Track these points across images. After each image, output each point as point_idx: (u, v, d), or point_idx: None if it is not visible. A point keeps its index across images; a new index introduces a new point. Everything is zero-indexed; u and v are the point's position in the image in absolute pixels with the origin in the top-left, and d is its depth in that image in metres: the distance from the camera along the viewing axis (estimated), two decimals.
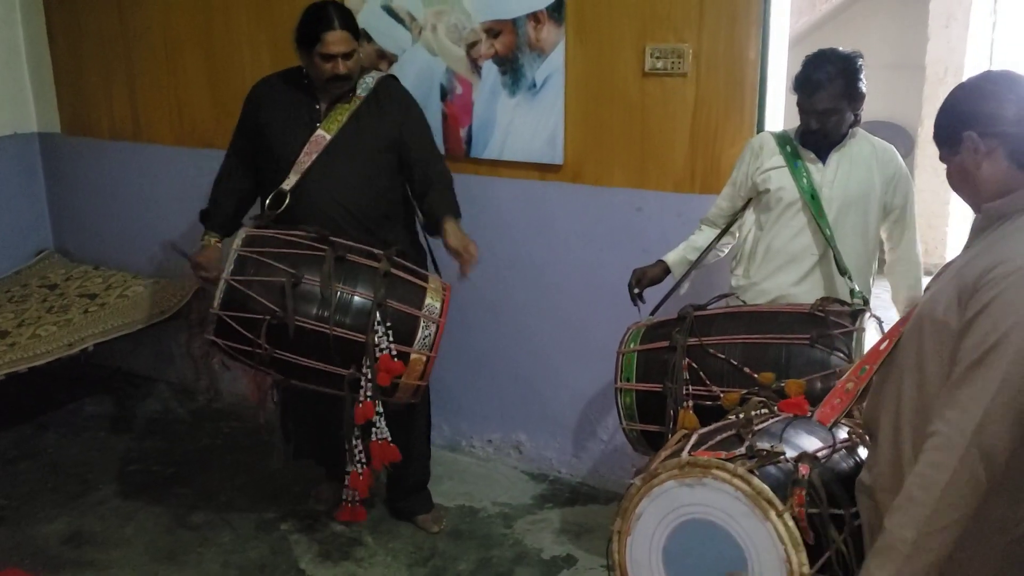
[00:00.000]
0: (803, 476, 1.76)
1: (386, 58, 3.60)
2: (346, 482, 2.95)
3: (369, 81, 3.09)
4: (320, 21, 2.91)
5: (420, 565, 3.15)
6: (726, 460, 1.81)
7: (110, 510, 3.50)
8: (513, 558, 3.18)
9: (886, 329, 2.20)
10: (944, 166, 1.75)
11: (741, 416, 2.05)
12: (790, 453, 1.86)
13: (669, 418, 2.51)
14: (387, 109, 3.08)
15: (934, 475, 1.52)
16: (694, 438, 2.00)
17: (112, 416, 4.33)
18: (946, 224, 5.96)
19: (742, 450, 1.85)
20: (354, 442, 2.86)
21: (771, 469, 1.82)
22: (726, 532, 1.80)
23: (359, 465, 2.89)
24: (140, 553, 3.23)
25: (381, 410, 2.82)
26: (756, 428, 1.96)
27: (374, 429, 2.83)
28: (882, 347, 1.87)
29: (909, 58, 6.06)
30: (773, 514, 1.73)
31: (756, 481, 1.76)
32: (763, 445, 1.86)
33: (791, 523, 1.72)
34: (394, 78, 3.25)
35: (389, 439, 2.85)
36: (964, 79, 1.82)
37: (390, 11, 3.56)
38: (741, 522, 1.78)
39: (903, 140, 6.21)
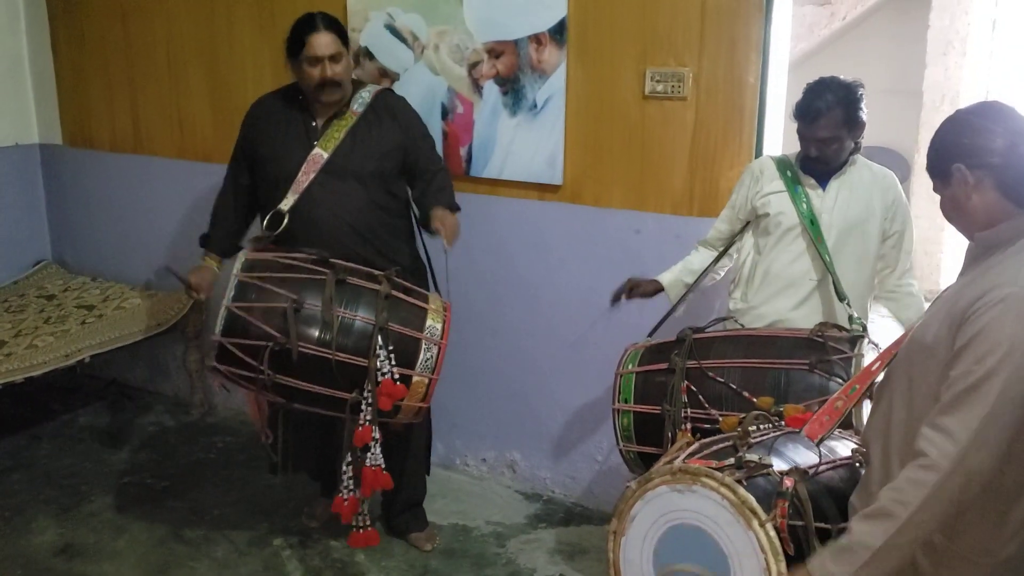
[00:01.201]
0: (787, 488, 1.81)
1: (388, 76, 3.63)
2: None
3: (365, 96, 3.07)
4: (304, 25, 2.95)
5: None
6: (715, 469, 1.85)
7: (103, 522, 3.48)
8: None
9: None
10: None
11: (739, 429, 2.09)
12: (782, 466, 1.89)
13: (667, 440, 2.52)
14: (385, 122, 3.07)
15: (912, 492, 1.57)
16: (693, 446, 2.05)
17: (106, 428, 4.32)
18: (940, 251, 5.98)
19: (732, 460, 1.89)
20: (345, 468, 2.86)
21: (760, 481, 1.87)
22: (712, 538, 1.85)
23: (346, 491, 2.88)
24: (132, 566, 3.21)
25: (378, 436, 2.82)
26: (753, 441, 2.00)
27: (369, 455, 2.83)
28: (873, 368, 1.90)
29: (906, 84, 6.10)
30: (756, 523, 1.78)
31: (741, 491, 1.81)
32: (752, 457, 1.91)
33: (772, 533, 1.77)
34: (391, 90, 3.26)
35: (383, 466, 2.85)
36: (961, 106, 1.85)
37: (393, 30, 3.59)
38: (726, 529, 1.83)
39: (899, 166, 6.24)
